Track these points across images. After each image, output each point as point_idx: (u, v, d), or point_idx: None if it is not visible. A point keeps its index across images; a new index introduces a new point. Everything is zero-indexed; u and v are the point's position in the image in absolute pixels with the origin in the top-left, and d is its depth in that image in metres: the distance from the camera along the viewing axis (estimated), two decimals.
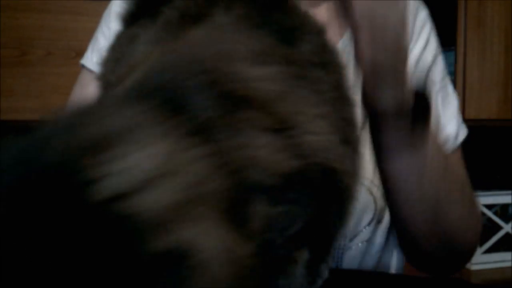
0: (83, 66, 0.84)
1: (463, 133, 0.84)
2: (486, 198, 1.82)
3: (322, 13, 0.81)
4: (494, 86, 1.76)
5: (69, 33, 1.47)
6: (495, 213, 1.86)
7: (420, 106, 0.56)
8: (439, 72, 0.86)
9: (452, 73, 1.77)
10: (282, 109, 0.36)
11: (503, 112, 1.77)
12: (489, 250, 1.82)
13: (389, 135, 0.58)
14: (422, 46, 0.84)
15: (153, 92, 0.33)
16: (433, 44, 0.86)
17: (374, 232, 0.80)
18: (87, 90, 0.81)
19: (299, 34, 0.44)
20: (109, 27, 0.83)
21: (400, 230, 0.69)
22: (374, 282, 0.69)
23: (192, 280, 0.28)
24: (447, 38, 1.77)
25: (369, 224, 0.79)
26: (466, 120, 1.80)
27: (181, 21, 0.47)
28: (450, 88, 0.88)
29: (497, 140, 1.92)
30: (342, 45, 0.79)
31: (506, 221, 1.85)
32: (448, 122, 0.84)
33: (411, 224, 0.65)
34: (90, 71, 0.82)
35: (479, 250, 1.81)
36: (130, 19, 0.63)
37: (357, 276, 0.72)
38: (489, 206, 1.83)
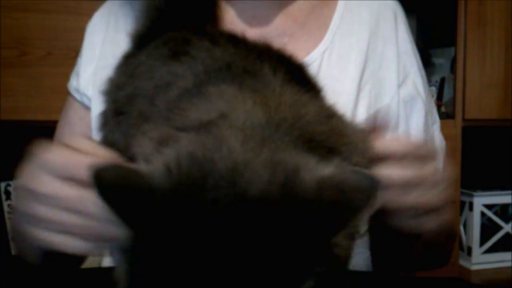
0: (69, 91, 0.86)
1: (443, 147, 0.86)
2: (486, 198, 1.82)
3: (296, 13, 0.81)
4: (494, 86, 1.76)
5: (69, 33, 1.47)
6: (495, 213, 1.86)
7: None
8: (426, 85, 0.86)
9: (452, 73, 1.77)
10: None
11: (503, 112, 1.77)
12: (489, 250, 1.82)
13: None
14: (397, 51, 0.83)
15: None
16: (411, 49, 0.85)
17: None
18: (70, 112, 0.84)
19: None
20: (93, 42, 0.84)
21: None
22: (373, 282, 0.69)
23: None
24: (447, 38, 1.77)
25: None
26: (466, 120, 1.80)
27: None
28: (432, 102, 0.88)
29: (497, 140, 1.92)
30: (314, 57, 0.79)
31: (506, 221, 1.85)
32: (436, 139, 0.85)
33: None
34: (71, 94, 0.85)
35: (479, 250, 1.81)
36: (138, 41, 0.68)
37: (357, 277, 0.72)
38: (489, 206, 1.83)
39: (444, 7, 1.76)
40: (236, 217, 0.39)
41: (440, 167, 0.82)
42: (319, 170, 0.42)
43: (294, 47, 0.74)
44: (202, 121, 0.47)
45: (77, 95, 0.84)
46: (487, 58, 1.75)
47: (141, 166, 0.42)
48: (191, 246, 0.38)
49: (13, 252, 1.63)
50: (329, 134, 0.50)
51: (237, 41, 0.64)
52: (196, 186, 0.40)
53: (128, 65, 0.68)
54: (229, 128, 0.45)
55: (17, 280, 0.68)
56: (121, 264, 0.43)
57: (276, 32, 0.79)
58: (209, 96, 0.52)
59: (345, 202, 0.40)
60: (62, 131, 0.85)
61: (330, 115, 0.53)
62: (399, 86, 0.81)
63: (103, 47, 0.82)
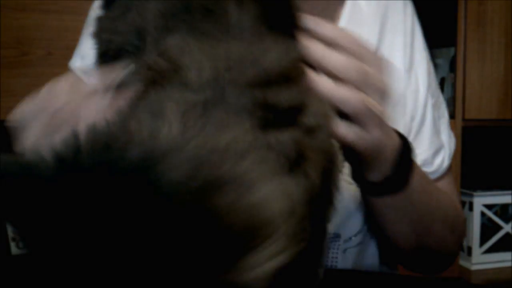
0: (69, 70, 0.86)
1: (453, 144, 0.86)
2: (486, 198, 1.82)
3: (309, 12, 0.80)
4: (494, 86, 1.76)
5: (69, 33, 1.47)
6: (495, 213, 1.86)
7: (404, 158, 0.61)
8: (432, 79, 0.86)
9: (452, 73, 1.77)
10: None
11: (503, 112, 1.77)
12: (489, 250, 1.82)
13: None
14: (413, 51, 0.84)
15: None
16: (423, 48, 0.86)
17: (366, 234, 0.80)
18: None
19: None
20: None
21: (384, 241, 0.75)
22: (373, 282, 0.69)
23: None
24: (447, 38, 1.77)
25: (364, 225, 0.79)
26: (466, 120, 1.80)
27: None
28: (441, 97, 0.89)
29: (497, 140, 1.92)
30: None
31: (506, 221, 1.85)
32: (442, 133, 0.85)
33: (394, 239, 0.70)
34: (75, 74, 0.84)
35: (479, 250, 1.81)
36: None
37: (356, 277, 0.72)
38: (489, 206, 1.83)
39: (444, 7, 1.75)
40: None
41: (446, 162, 0.82)
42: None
43: None
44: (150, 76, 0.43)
45: (83, 76, 0.82)
46: (487, 58, 1.75)
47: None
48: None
49: (13, 252, 1.63)
50: (287, 92, 0.44)
51: None
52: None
53: (117, 5, 0.63)
54: (173, 98, 0.40)
55: (17, 280, 0.68)
56: None
57: None
58: (159, 52, 0.46)
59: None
60: None
61: (292, 70, 0.46)
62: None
63: None
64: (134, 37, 0.52)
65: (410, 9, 0.86)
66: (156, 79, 0.43)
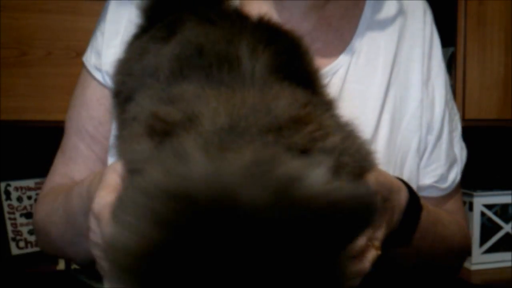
0: (84, 65, 0.82)
1: (464, 156, 0.85)
2: (486, 198, 1.82)
3: (329, 17, 0.78)
4: (494, 86, 1.76)
5: (69, 33, 1.47)
6: (495, 213, 1.86)
7: (411, 210, 0.63)
8: (448, 91, 0.83)
9: (452, 73, 1.77)
10: None
11: (503, 112, 1.77)
12: (489, 250, 1.81)
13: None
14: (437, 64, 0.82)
15: None
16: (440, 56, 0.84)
17: None
18: (87, 92, 0.79)
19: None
20: (118, 18, 0.78)
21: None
22: (372, 281, 0.69)
23: None
24: (447, 38, 1.77)
25: None
26: (466, 120, 1.80)
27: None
28: (455, 108, 0.86)
29: (497, 140, 1.92)
30: (342, 61, 0.76)
31: (506, 221, 1.85)
32: (455, 146, 0.83)
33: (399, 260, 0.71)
34: (90, 72, 0.79)
35: (479, 250, 1.81)
36: (147, 16, 0.64)
37: None
38: (489, 206, 1.83)
39: (444, 7, 1.75)
40: (232, 233, 0.35)
41: (459, 177, 0.82)
42: (316, 180, 0.38)
43: (326, 52, 0.73)
44: (167, 129, 0.45)
45: (97, 74, 0.78)
46: (487, 58, 1.75)
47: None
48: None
49: (13, 252, 1.63)
50: (301, 133, 0.46)
51: (228, 16, 0.59)
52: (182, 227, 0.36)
53: (134, 47, 0.64)
54: (191, 138, 0.42)
55: (17, 280, 0.68)
56: None
57: (310, 38, 0.74)
58: (173, 97, 0.48)
59: (345, 219, 0.37)
60: (79, 112, 0.79)
61: (300, 115, 0.48)
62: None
63: (126, 28, 0.75)
64: (148, 77, 0.54)
65: (429, 17, 0.82)
66: (169, 130, 0.45)
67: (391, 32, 0.79)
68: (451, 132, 0.81)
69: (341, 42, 0.77)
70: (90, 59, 0.79)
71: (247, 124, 0.44)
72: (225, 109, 0.45)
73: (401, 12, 0.80)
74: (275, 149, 0.41)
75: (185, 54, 0.53)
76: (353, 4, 0.80)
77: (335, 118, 0.53)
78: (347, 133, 0.51)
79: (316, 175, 0.38)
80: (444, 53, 1.81)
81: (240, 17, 0.59)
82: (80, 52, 0.87)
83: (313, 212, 0.36)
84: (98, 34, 0.80)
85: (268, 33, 0.56)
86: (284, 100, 0.47)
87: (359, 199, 0.37)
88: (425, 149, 0.78)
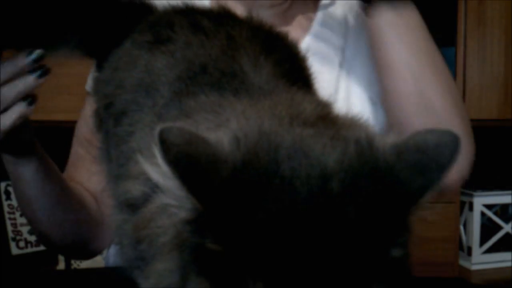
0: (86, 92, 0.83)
1: None
2: (486, 198, 1.82)
3: (299, 21, 0.81)
4: (494, 86, 1.76)
5: None
6: (495, 213, 1.86)
7: None
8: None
9: (452, 73, 1.78)
10: None
11: (503, 112, 1.77)
12: (489, 250, 1.82)
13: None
14: None
15: None
16: None
17: None
18: (87, 107, 0.81)
19: None
20: None
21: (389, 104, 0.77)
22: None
23: None
24: (447, 38, 1.77)
25: None
26: None
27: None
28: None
29: (497, 140, 1.92)
30: (306, 44, 0.79)
31: (506, 221, 1.85)
32: None
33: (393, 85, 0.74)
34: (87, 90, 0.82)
35: (479, 250, 1.81)
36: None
37: None
38: (489, 206, 1.83)
39: (444, 7, 1.76)
40: (317, 189, 0.36)
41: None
42: (387, 138, 0.40)
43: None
44: None
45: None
46: (487, 58, 1.75)
47: (208, 135, 0.39)
48: (274, 222, 0.36)
49: (13, 252, 1.63)
50: (332, 129, 0.47)
51: (220, 23, 0.59)
52: (268, 158, 0.37)
53: (113, 56, 0.63)
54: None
55: (17, 280, 0.68)
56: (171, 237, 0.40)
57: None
58: (189, 110, 0.48)
59: (429, 161, 0.38)
60: (80, 124, 0.84)
61: (325, 113, 0.50)
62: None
63: None
64: (143, 96, 0.53)
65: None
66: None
67: (339, 27, 0.83)
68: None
69: (303, 32, 0.81)
70: (90, 76, 0.81)
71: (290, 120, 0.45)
72: (255, 111, 0.45)
73: (347, 6, 0.84)
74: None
75: (188, 74, 0.53)
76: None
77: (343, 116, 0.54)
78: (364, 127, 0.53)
79: (387, 137, 0.41)
80: (446, 53, 1.82)
81: (231, 23, 0.59)
82: None
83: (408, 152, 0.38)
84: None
85: (265, 43, 0.57)
86: (308, 104, 0.48)
87: (445, 145, 0.39)
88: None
